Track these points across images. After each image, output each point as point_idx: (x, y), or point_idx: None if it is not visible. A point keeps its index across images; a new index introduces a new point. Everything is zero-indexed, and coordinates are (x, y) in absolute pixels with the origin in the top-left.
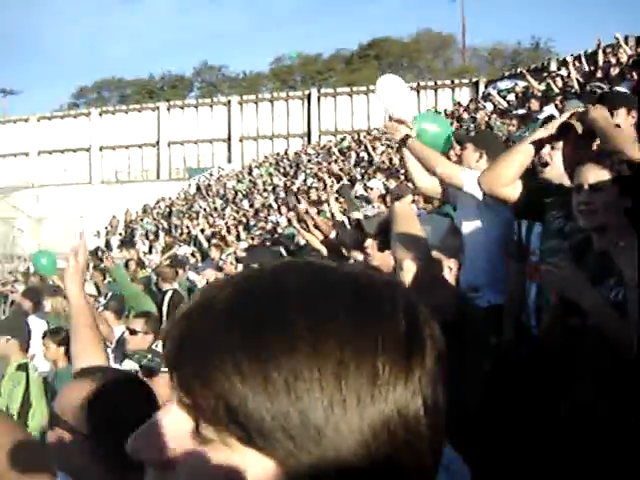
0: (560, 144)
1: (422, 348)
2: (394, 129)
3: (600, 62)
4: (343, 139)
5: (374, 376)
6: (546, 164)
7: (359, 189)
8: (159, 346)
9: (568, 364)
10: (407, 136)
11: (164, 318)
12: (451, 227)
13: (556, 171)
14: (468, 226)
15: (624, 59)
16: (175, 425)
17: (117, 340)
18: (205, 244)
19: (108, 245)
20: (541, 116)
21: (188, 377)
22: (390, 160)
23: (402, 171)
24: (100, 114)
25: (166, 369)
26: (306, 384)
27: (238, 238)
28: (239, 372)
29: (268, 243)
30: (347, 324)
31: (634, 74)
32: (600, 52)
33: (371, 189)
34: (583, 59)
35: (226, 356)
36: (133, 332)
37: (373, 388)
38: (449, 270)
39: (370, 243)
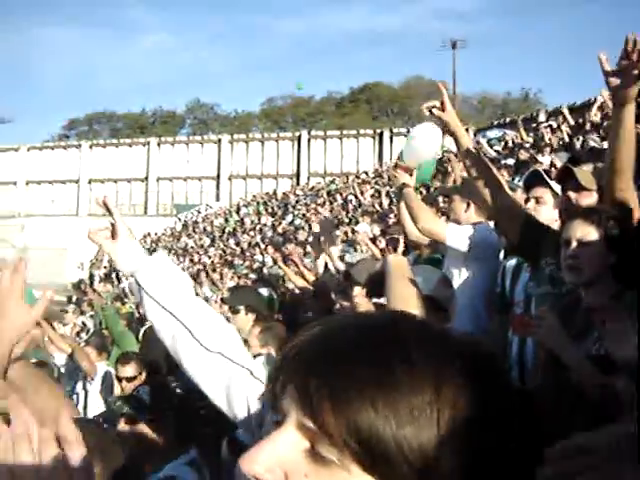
0: (546, 198)
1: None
2: (397, 174)
3: (593, 115)
4: (332, 181)
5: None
6: None
7: (348, 232)
8: (141, 392)
9: (560, 423)
10: (405, 185)
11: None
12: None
13: (548, 218)
14: (454, 276)
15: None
16: (290, 445)
17: (102, 378)
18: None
19: (91, 278)
20: (542, 163)
21: (319, 403)
22: (380, 204)
23: (391, 215)
24: (90, 147)
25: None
26: (427, 420)
27: (222, 277)
28: (373, 403)
29: (250, 282)
30: (461, 372)
31: None
32: (595, 106)
33: (358, 232)
34: (566, 112)
35: (362, 388)
36: (130, 379)
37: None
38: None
39: (358, 291)
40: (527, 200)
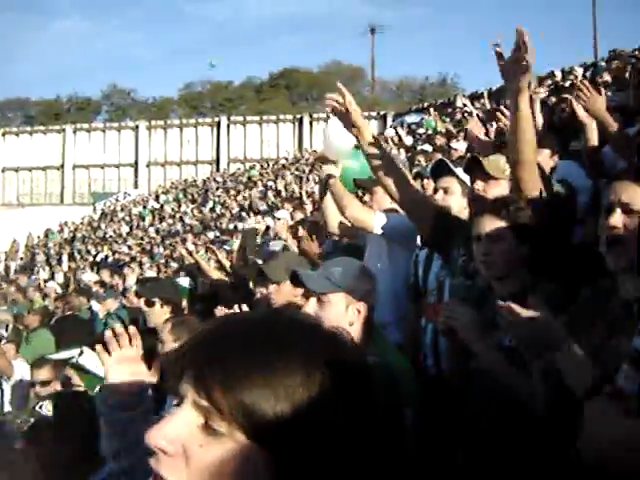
0: (454, 187)
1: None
2: (321, 166)
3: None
4: (252, 167)
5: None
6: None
7: (268, 220)
8: (43, 407)
9: (463, 408)
10: (330, 175)
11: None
12: (362, 269)
13: (456, 207)
14: (376, 265)
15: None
16: (188, 421)
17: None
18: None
19: (7, 270)
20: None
21: (212, 384)
22: (300, 190)
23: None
24: (3, 134)
25: None
26: (300, 395)
27: (141, 265)
28: (254, 384)
29: (172, 272)
30: (327, 361)
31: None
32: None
33: (279, 219)
34: (486, 96)
35: (246, 372)
36: (45, 384)
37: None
38: (357, 313)
39: (274, 288)
40: (435, 190)
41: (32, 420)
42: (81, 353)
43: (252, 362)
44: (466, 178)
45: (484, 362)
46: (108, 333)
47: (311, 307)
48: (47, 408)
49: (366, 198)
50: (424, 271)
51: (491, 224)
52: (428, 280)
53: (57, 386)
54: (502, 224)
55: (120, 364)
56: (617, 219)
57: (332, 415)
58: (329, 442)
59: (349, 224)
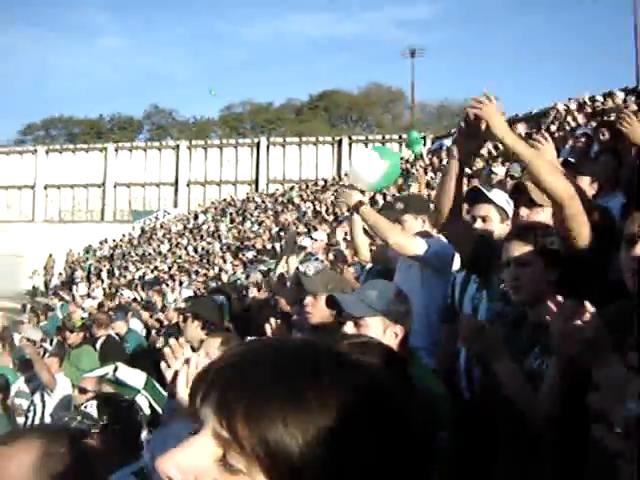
0: (491, 215)
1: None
2: (348, 195)
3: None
4: (291, 188)
5: None
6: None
7: (305, 241)
8: (88, 407)
9: (494, 430)
10: (360, 202)
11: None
12: (397, 292)
13: (497, 232)
14: (408, 290)
15: (572, 124)
16: (204, 451)
17: (45, 388)
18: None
19: (46, 285)
20: (497, 174)
21: (235, 414)
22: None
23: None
24: (47, 152)
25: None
26: (332, 437)
27: (180, 284)
28: (283, 420)
29: (205, 291)
30: (363, 402)
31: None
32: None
33: (315, 240)
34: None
35: (275, 405)
36: (83, 390)
37: None
38: (394, 336)
39: (310, 300)
40: (473, 219)
41: (79, 418)
42: (116, 368)
43: (283, 394)
44: (502, 203)
45: (503, 381)
46: (168, 350)
47: (348, 331)
48: (92, 406)
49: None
50: (460, 294)
51: (518, 249)
52: (464, 303)
53: None
54: (529, 249)
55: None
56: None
57: (363, 458)
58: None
59: (381, 250)
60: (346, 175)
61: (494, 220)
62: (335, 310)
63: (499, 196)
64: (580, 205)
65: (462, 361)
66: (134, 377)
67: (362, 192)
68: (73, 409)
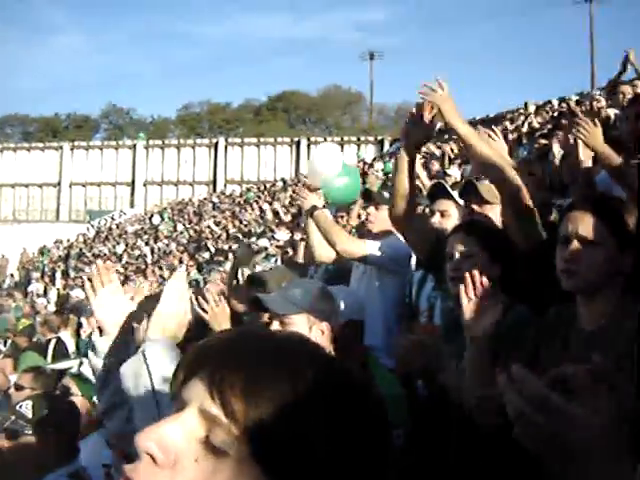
0: (451, 211)
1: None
2: (304, 196)
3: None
4: (249, 189)
5: None
6: None
7: (262, 241)
8: (23, 406)
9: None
10: (315, 207)
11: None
12: (322, 290)
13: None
14: (365, 290)
15: (524, 126)
16: (187, 429)
17: (4, 392)
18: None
19: None
20: (451, 175)
21: (232, 389)
22: (297, 212)
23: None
24: (1, 150)
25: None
26: (314, 419)
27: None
28: (283, 398)
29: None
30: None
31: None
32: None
33: (277, 240)
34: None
35: (275, 383)
36: (19, 387)
37: None
38: (321, 333)
39: (372, 211)
40: (432, 213)
41: (12, 418)
42: (81, 363)
43: (284, 374)
44: (462, 201)
45: (451, 388)
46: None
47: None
48: (27, 407)
49: (369, 210)
50: (417, 292)
51: (463, 242)
52: (420, 300)
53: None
54: (474, 242)
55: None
56: (573, 250)
57: (338, 447)
58: (325, 466)
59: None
60: (305, 177)
61: (452, 216)
62: (260, 309)
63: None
64: (525, 199)
65: None
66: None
67: (317, 190)
68: (9, 408)
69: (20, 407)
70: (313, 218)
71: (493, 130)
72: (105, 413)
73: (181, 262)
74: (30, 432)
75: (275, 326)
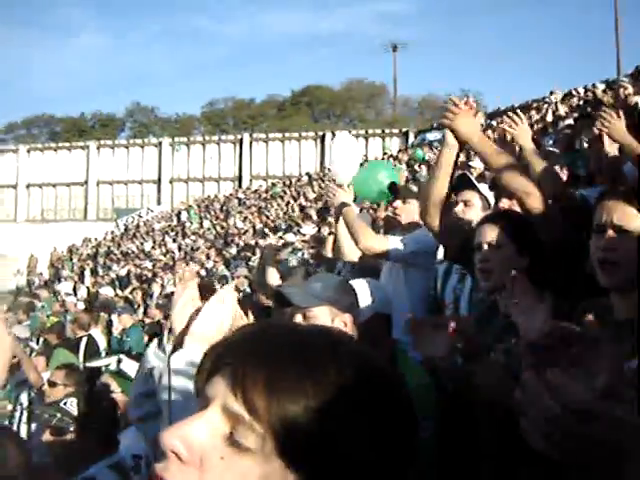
0: (474, 201)
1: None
2: (334, 193)
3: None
4: (274, 184)
5: None
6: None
7: (289, 236)
8: (68, 403)
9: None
10: (344, 204)
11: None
12: (342, 283)
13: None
14: (393, 284)
15: (549, 116)
16: (211, 427)
17: (38, 389)
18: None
19: (29, 285)
20: (475, 168)
21: (254, 385)
22: (323, 206)
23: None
24: (28, 151)
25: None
26: (350, 421)
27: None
28: (306, 395)
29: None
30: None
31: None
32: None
33: (303, 235)
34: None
35: (297, 380)
36: (52, 384)
37: None
38: (344, 325)
39: (399, 204)
40: (455, 203)
41: (58, 415)
42: (120, 360)
43: (304, 368)
44: (486, 192)
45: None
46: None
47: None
48: (72, 404)
49: (396, 204)
50: (442, 285)
51: (491, 233)
52: (445, 293)
53: (68, 391)
54: (502, 233)
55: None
56: (609, 240)
57: (367, 442)
58: (350, 460)
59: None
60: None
61: (476, 205)
62: (283, 304)
63: (484, 187)
64: (539, 201)
65: None
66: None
67: (347, 186)
68: (50, 404)
69: (65, 404)
70: (342, 215)
71: (517, 114)
72: (142, 419)
73: (208, 258)
74: (74, 428)
75: (298, 319)
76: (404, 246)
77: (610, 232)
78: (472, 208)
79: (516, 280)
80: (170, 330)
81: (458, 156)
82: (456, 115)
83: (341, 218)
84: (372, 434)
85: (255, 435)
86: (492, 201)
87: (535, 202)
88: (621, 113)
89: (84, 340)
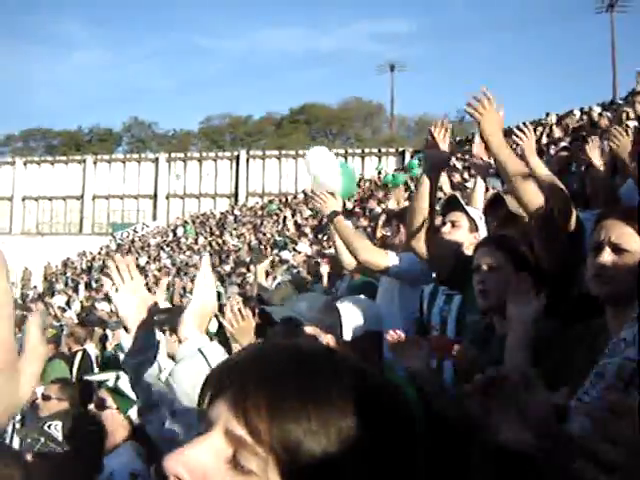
0: (462, 222)
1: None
2: (323, 202)
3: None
4: (271, 201)
5: None
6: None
7: (284, 254)
8: (52, 427)
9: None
10: (335, 212)
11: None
12: (326, 303)
13: (465, 242)
14: (387, 302)
15: (542, 138)
16: (214, 450)
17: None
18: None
19: (23, 298)
20: (468, 188)
21: (256, 408)
22: (319, 223)
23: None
24: (25, 163)
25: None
26: (351, 443)
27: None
28: (309, 417)
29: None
30: (373, 404)
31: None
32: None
33: (299, 253)
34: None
35: (299, 401)
36: (47, 398)
37: None
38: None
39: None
40: (443, 223)
41: (42, 440)
42: (118, 377)
43: (306, 390)
44: (474, 215)
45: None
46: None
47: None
48: (56, 428)
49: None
50: (428, 306)
51: (490, 255)
52: (432, 315)
53: (61, 405)
54: (500, 256)
55: (130, 293)
56: (606, 258)
57: (373, 460)
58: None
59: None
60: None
61: (463, 227)
62: (268, 322)
63: (473, 210)
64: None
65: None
66: None
67: (332, 195)
68: (35, 427)
69: (49, 427)
70: (333, 225)
71: (523, 131)
72: (141, 414)
73: None
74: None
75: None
76: (401, 262)
77: (607, 250)
78: (459, 229)
79: (520, 276)
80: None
81: (437, 182)
82: (486, 110)
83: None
84: (374, 453)
85: (258, 458)
86: (480, 224)
87: (537, 209)
88: (629, 131)
89: (79, 355)
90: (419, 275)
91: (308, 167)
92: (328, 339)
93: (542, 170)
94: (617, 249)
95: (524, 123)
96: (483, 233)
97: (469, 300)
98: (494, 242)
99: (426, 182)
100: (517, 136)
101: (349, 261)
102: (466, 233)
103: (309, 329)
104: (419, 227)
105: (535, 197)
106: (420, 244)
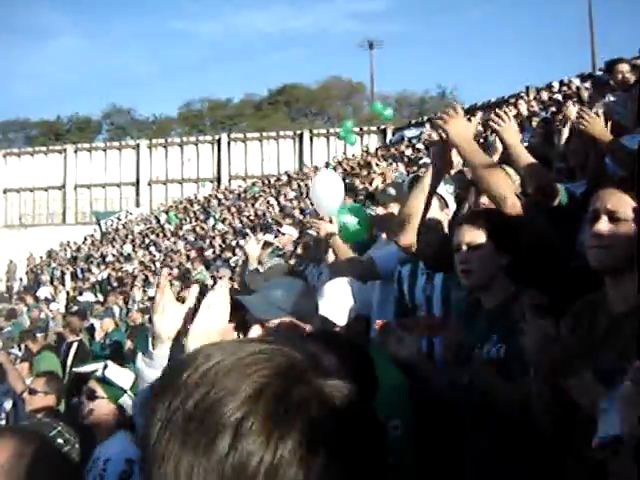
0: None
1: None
2: (319, 225)
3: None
4: (254, 184)
5: None
6: None
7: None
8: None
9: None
10: (331, 234)
11: (67, 370)
12: (303, 289)
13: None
14: (381, 300)
15: (524, 111)
16: None
17: (19, 396)
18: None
19: (9, 290)
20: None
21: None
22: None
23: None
24: (4, 156)
25: None
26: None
27: (147, 282)
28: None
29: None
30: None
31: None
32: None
33: (283, 234)
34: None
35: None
36: (33, 392)
37: None
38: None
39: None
40: None
41: None
42: (106, 366)
43: (237, 393)
44: (442, 192)
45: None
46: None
47: (254, 334)
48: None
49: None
50: (409, 287)
51: (470, 233)
52: (415, 295)
53: (48, 399)
54: (480, 233)
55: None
56: (603, 226)
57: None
58: None
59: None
60: (315, 167)
61: (433, 205)
62: (242, 312)
63: (441, 187)
64: (516, 207)
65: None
66: (122, 377)
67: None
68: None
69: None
70: (331, 246)
71: (505, 112)
72: None
73: (188, 259)
74: None
75: (255, 331)
76: (390, 258)
77: (604, 218)
78: (429, 208)
79: (528, 302)
80: (154, 336)
81: (437, 186)
82: (450, 119)
83: (331, 250)
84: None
85: None
86: (449, 198)
87: (511, 208)
88: (600, 112)
89: (74, 345)
90: (391, 270)
91: (314, 190)
92: (308, 329)
93: (521, 154)
94: (613, 218)
95: (490, 104)
96: (453, 207)
97: (454, 277)
98: (473, 218)
99: (427, 186)
100: (495, 122)
101: None
102: (436, 211)
103: (287, 321)
104: (417, 220)
105: (503, 192)
106: (408, 236)
